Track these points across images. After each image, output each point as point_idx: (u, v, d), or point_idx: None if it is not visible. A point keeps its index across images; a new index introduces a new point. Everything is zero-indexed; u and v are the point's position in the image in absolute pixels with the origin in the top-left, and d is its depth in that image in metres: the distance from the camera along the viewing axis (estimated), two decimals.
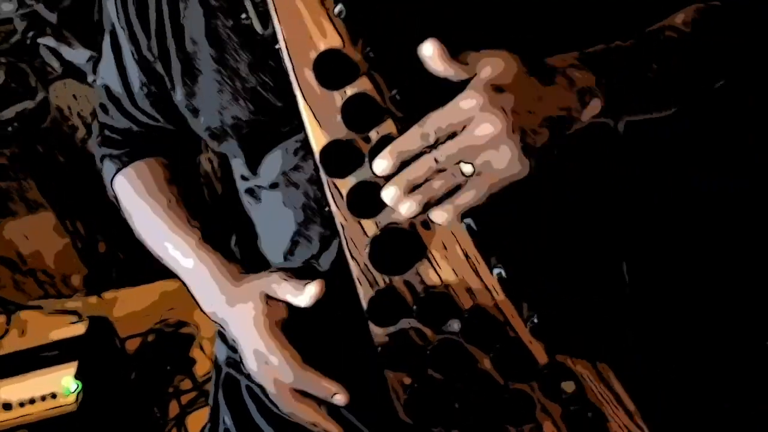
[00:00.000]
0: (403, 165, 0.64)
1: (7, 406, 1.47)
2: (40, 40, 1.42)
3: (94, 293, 2.00)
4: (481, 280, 0.70)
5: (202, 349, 1.85)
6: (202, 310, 0.87)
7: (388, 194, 0.63)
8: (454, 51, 0.65)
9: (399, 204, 0.63)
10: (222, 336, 1.02)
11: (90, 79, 1.45)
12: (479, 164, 0.62)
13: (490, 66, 0.63)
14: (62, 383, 1.47)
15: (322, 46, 0.68)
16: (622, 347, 0.74)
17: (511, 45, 0.66)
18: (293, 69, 0.69)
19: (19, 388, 1.49)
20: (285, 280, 0.76)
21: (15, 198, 1.90)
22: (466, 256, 0.70)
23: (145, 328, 1.90)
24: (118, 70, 0.91)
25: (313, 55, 0.68)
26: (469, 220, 0.69)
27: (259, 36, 0.76)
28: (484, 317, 0.71)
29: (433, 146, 0.63)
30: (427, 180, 0.63)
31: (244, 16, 0.76)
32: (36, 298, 2.04)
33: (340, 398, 0.72)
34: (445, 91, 0.69)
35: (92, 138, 1.04)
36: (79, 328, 1.58)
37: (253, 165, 0.86)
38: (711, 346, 0.89)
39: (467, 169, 0.62)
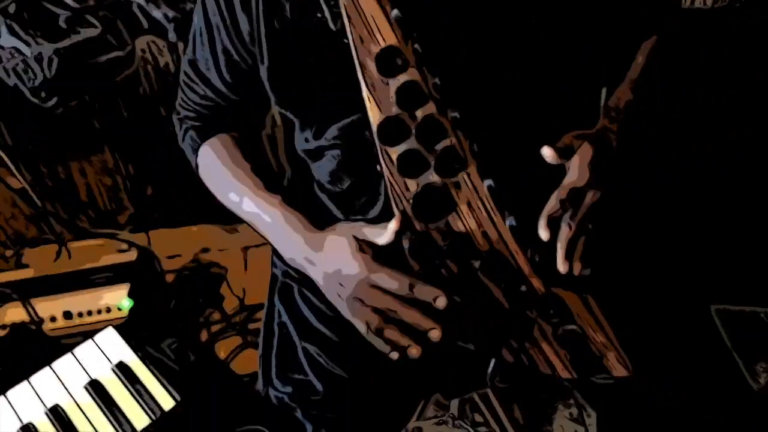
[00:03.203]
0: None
1: (68, 315, 1.66)
2: None
3: (138, 231, 2.15)
4: (497, 228, 0.91)
5: (230, 287, 1.97)
6: (279, 258, 1.04)
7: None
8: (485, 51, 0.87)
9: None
10: (278, 258, 1.25)
11: (170, 36, 1.65)
12: None
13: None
14: (117, 300, 1.66)
15: (382, 43, 0.88)
16: (603, 284, 0.94)
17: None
18: (358, 59, 0.89)
19: (78, 301, 1.67)
20: (367, 225, 0.94)
21: (78, 141, 2.06)
22: (486, 209, 0.90)
23: (180, 265, 2.04)
24: (210, 49, 1.07)
25: (375, 49, 0.88)
26: (489, 181, 0.89)
27: (331, 30, 0.94)
28: (497, 257, 0.91)
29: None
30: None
31: (320, 15, 0.94)
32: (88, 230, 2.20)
33: (442, 301, 0.86)
34: (477, 81, 0.89)
35: (174, 113, 1.22)
36: (131, 255, 1.78)
37: (319, 132, 1.06)
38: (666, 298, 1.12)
39: None
